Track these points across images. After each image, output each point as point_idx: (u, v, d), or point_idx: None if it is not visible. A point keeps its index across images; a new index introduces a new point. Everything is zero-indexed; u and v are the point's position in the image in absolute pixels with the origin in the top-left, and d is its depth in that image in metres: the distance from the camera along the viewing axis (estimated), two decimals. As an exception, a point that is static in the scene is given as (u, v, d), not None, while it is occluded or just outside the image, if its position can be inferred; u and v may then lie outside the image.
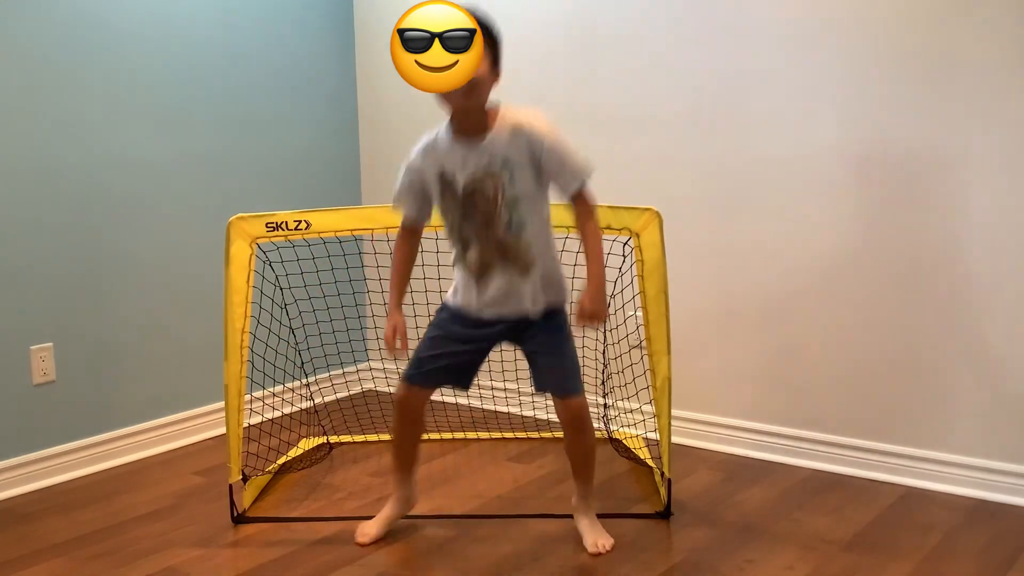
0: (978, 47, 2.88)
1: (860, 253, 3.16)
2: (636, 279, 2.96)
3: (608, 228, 2.93)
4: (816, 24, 3.15)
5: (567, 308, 2.68)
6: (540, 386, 2.67)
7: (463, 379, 2.74)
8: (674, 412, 3.55)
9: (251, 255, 2.94)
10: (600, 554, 2.66)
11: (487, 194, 2.51)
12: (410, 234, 2.71)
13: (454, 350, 2.68)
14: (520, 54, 3.79)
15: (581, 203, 2.55)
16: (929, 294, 3.05)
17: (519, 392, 3.90)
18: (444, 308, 2.72)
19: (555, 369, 2.63)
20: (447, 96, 2.45)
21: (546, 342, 2.63)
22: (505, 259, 2.56)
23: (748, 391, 3.45)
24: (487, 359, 2.74)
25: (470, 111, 2.49)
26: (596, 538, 2.71)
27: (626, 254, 3.15)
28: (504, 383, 3.92)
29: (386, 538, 2.80)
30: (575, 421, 2.66)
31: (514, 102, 3.74)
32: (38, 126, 3.27)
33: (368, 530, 2.79)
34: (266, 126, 3.97)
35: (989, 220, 2.93)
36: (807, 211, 3.25)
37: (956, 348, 3.03)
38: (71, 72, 3.34)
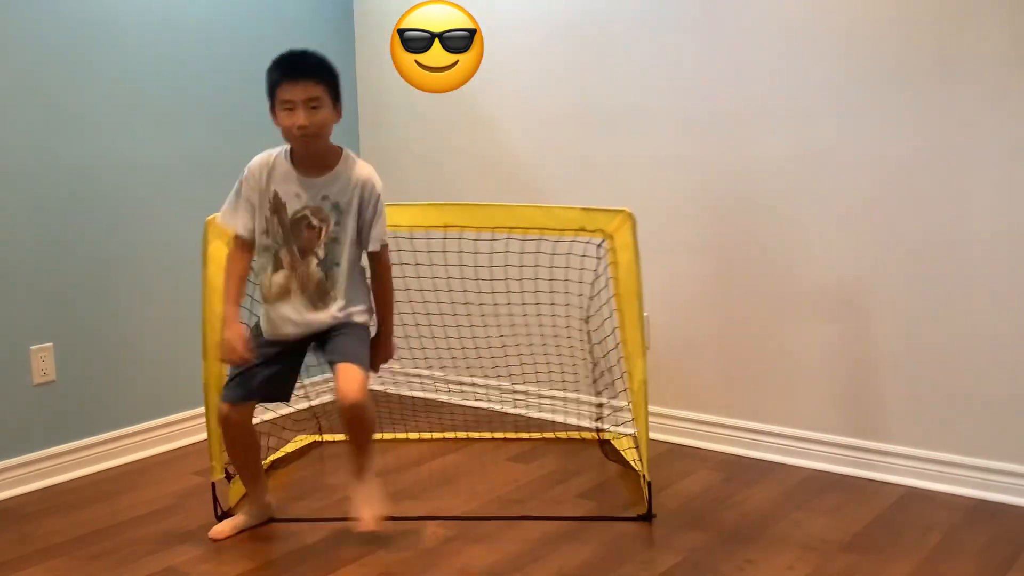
0: (979, 47, 2.88)
1: (859, 253, 3.16)
2: (611, 281, 2.96)
3: (582, 230, 2.94)
4: (816, 24, 3.15)
5: (367, 330, 2.76)
6: (329, 360, 2.68)
7: (281, 392, 2.79)
8: (674, 412, 3.57)
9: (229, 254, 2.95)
10: (368, 529, 2.64)
11: (312, 228, 2.64)
12: (246, 248, 2.72)
13: (266, 366, 2.71)
14: (518, 53, 3.81)
15: (380, 259, 2.72)
16: (929, 294, 3.05)
17: (514, 392, 3.91)
18: (255, 329, 2.77)
19: (345, 349, 2.63)
20: (297, 139, 2.58)
21: (344, 335, 2.67)
22: (305, 290, 2.66)
23: (748, 391, 3.45)
24: (301, 370, 2.80)
25: (314, 151, 2.62)
26: (368, 512, 2.65)
27: (600, 256, 3.15)
28: (503, 383, 3.93)
29: (386, 538, 2.80)
30: (351, 391, 2.55)
31: (508, 101, 3.76)
32: (37, 126, 3.27)
33: (222, 528, 2.84)
34: (267, 126, 3.94)
35: (990, 220, 2.93)
36: (806, 211, 3.24)
37: (956, 348, 3.02)
38: (71, 72, 3.34)
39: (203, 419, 3.43)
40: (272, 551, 2.74)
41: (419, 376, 4.07)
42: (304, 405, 3.86)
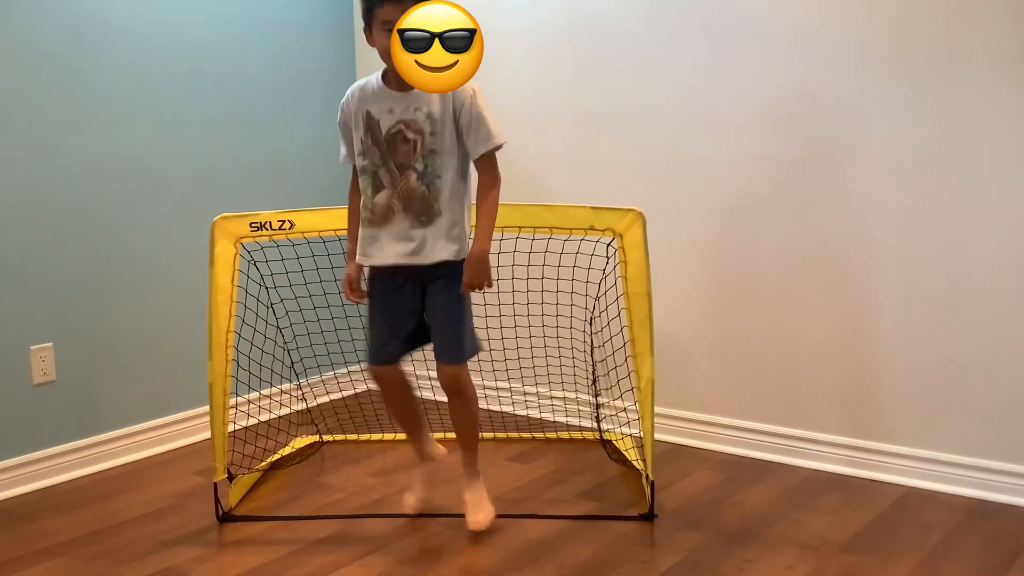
0: (979, 46, 2.88)
1: (859, 253, 3.16)
2: (620, 280, 2.97)
3: (592, 229, 2.95)
4: (820, 26, 3.15)
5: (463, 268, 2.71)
6: (428, 324, 2.74)
7: (417, 341, 2.80)
8: (674, 412, 3.57)
9: (235, 255, 2.97)
10: (479, 530, 2.74)
11: (407, 141, 2.60)
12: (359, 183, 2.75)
13: (392, 321, 2.74)
14: (518, 51, 3.81)
15: (484, 169, 2.63)
16: (928, 294, 3.05)
17: (512, 392, 3.91)
18: (369, 274, 2.79)
19: (440, 334, 2.71)
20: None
21: (441, 304, 2.69)
22: (408, 207, 2.63)
23: (748, 391, 3.45)
24: (423, 309, 2.76)
25: None
26: (475, 516, 2.77)
27: (610, 255, 3.15)
28: (501, 383, 3.93)
29: (387, 538, 2.80)
30: (450, 387, 2.73)
31: (512, 101, 3.75)
32: (37, 127, 3.27)
33: (412, 497, 2.92)
34: (266, 126, 3.97)
35: (992, 220, 2.93)
36: (809, 211, 3.25)
37: (956, 348, 3.03)
38: (69, 73, 3.34)
39: (204, 419, 3.45)
40: (272, 551, 2.74)
41: (419, 376, 4.07)
42: (301, 407, 3.86)
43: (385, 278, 2.73)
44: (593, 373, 3.53)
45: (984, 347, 2.98)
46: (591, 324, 3.49)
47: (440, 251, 2.64)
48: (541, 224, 3.02)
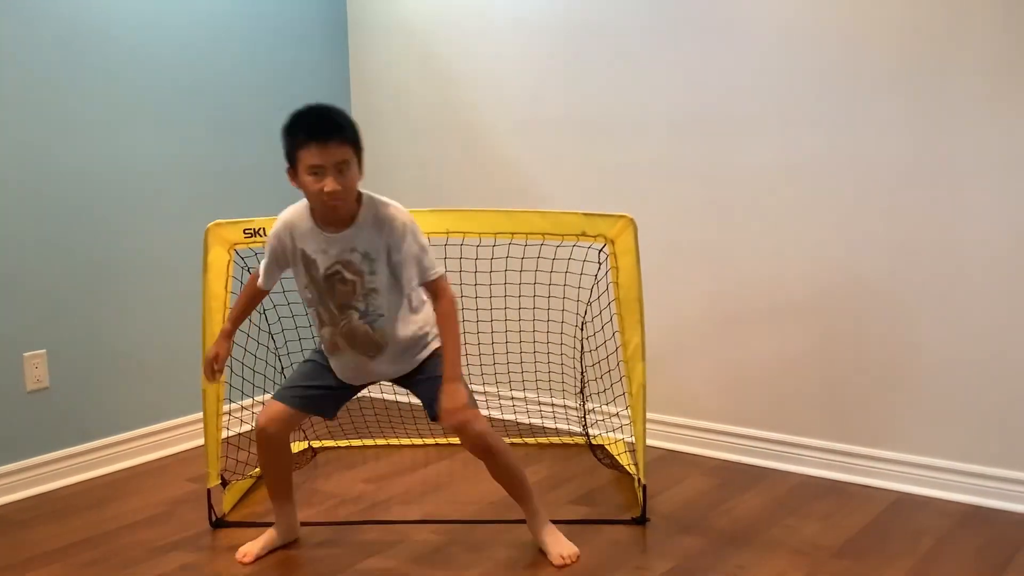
0: (971, 54, 2.90)
1: (852, 260, 3.17)
2: (611, 286, 2.98)
3: (583, 235, 2.96)
4: (810, 32, 3.16)
5: (439, 354, 2.64)
6: (434, 416, 2.60)
7: (329, 411, 2.77)
8: (667, 418, 3.58)
9: (229, 261, 2.97)
10: (567, 565, 2.65)
11: (346, 282, 2.53)
12: (259, 291, 2.72)
13: (327, 384, 2.70)
14: (514, 58, 3.82)
15: (434, 293, 2.57)
16: (921, 300, 3.06)
17: (512, 399, 3.91)
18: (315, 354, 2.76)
19: (434, 396, 2.56)
20: (325, 204, 2.42)
21: (432, 386, 2.58)
22: (354, 344, 2.59)
23: (740, 397, 3.46)
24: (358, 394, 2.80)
25: (342, 211, 2.47)
26: (559, 550, 2.68)
27: (601, 261, 3.16)
28: (492, 389, 3.93)
29: (379, 545, 2.80)
30: (475, 443, 2.61)
31: (505, 106, 3.76)
32: (31, 132, 3.27)
33: (250, 549, 2.74)
34: (260, 132, 3.97)
35: (982, 227, 2.94)
36: (799, 217, 3.26)
37: (948, 354, 3.04)
38: (63, 78, 3.34)
39: (197, 426, 3.44)
40: (265, 558, 2.74)
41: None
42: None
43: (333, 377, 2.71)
44: (582, 379, 3.53)
45: (976, 353, 2.99)
46: (582, 330, 3.50)
47: (399, 369, 2.66)
48: (533, 230, 3.02)
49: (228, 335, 2.71)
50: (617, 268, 2.90)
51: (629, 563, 2.66)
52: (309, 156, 2.37)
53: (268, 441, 2.66)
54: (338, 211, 2.46)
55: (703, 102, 3.39)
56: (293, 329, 3.67)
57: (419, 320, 2.65)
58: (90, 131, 3.43)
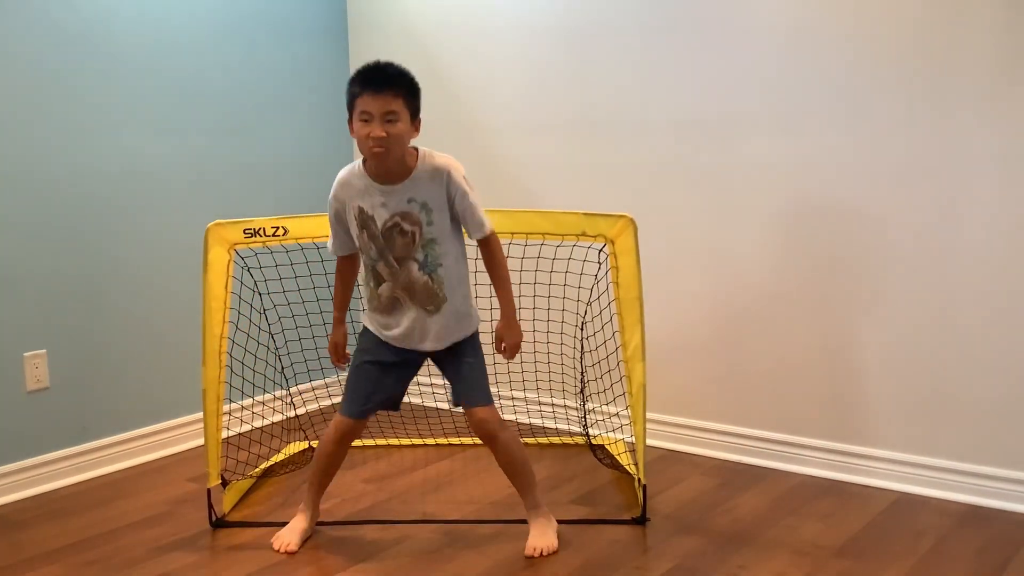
0: (969, 55, 2.90)
1: (850, 260, 3.18)
2: (611, 286, 2.98)
3: (583, 235, 2.96)
4: (809, 32, 3.16)
5: (477, 335, 2.79)
6: (456, 400, 2.78)
7: (395, 404, 2.83)
8: (667, 418, 3.58)
9: (229, 261, 2.98)
10: (534, 556, 2.70)
11: (405, 234, 2.60)
12: (346, 261, 2.79)
13: (384, 380, 2.76)
14: (514, 58, 3.82)
15: (487, 247, 2.69)
16: (920, 300, 3.06)
17: (512, 399, 3.91)
18: (365, 332, 2.79)
19: (463, 384, 2.75)
20: (370, 152, 2.53)
21: (462, 365, 2.75)
22: (413, 297, 2.65)
23: (740, 397, 3.46)
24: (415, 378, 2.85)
25: (390, 163, 2.57)
26: (535, 542, 2.74)
27: (601, 261, 3.16)
28: (496, 389, 3.93)
29: (380, 544, 2.81)
30: (485, 431, 2.74)
31: (504, 106, 3.76)
32: (30, 133, 3.27)
33: (291, 539, 2.79)
34: (260, 132, 3.97)
35: (980, 226, 2.94)
36: (798, 217, 3.26)
37: (948, 353, 3.04)
38: (62, 79, 3.34)
39: (197, 426, 3.45)
40: (265, 558, 2.74)
41: (415, 382, 4.07)
42: (292, 414, 3.86)
43: (388, 351, 2.75)
44: (582, 379, 3.54)
45: (975, 352, 2.99)
46: (582, 329, 3.50)
47: (451, 335, 2.71)
48: (533, 230, 3.03)
49: (339, 322, 2.84)
50: (617, 268, 2.91)
51: (630, 563, 2.66)
52: (361, 103, 2.51)
53: (337, 447, 2.80)
54: (384, 160, 2.54)
55: (704, 102, 3.39)
56: (293, 329, 3.67)
57: (469, 290, 2.75)
58: (90, 131, 3.42)
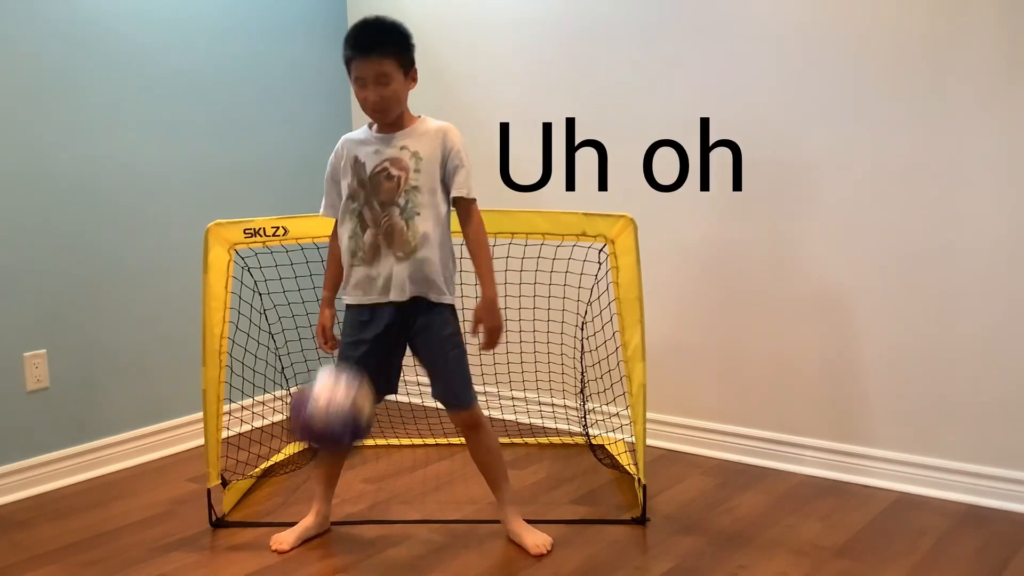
0: (970, 56, 2.90)
1: (852, 260, 3.18)
2: (611, 286, 2.98)
3: (583, 235, 2.96)
4: (810, 33, 3.16)
5: (456, 316, 2.72)
6: (433, 394, 2.75)
7: (387, 387, 2.77)
8: (667, 418, 3.58)
9: (229, 261, 2.98)
10: (544, 554, 2.70)
11: (391, 178, 2.62)
12: (338, 237, 2.76)
13: (368, 362, 2.68)
14: (514, 56, 3.82)
15: (467, 212, 2.65)
16: (920, 301, 3.06)
17: (512, 399, 3.91)
18: (345, 320, 2.77)
19: (442, 381, 2.71)
20: (371, 113, 2.61)
21: (437, 350, 2.69)
22: (391, 243, 2.63)
23: (740, 397, 3.46)
24: (402, 358, 2.77)
25: (390, 120, 2.63)
26: (535, 539, 2.74)
27: (601, 261, 3.16)
28: (492, 389, 3.93)
29: (379, 544, 2.81)
30: (466, 429, 2.76)
31: (506, 104, 3.76)
32: (30, 133, 3.27)
33: (286, 538, 2.80)
34: (261, 132, 3.98)
35: (980, 227, 2.94)
36: (800, 218, 3.26)
37: (948, 353, 3.04)
38: (63, 79, 3.34)
39: (197, 426, 3.45)
40: (264, 558, 2.74)
41: (415, 382, 4.08)
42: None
43: (365, 323, 2.70)
44: (582, 379, 3.54)
45: (975, 352, 2.99)
46: (582, 329, 3.50)
47: (417, 286, 2.63)
48: (533, 230, 3.03)
49: (328, 302, 2.81)
50: (617, 268, 2.91)
51: (630, 563, 2.66)
52: (354, 68, 2.57)
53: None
54: (384, 120, 2.62)
55: (703, 102, 3.39)
56: (293, 329, 3.67)
57: (447, 252, 2.69)
58: (90, 131, 3.43)
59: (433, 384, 2.73)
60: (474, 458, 2.82)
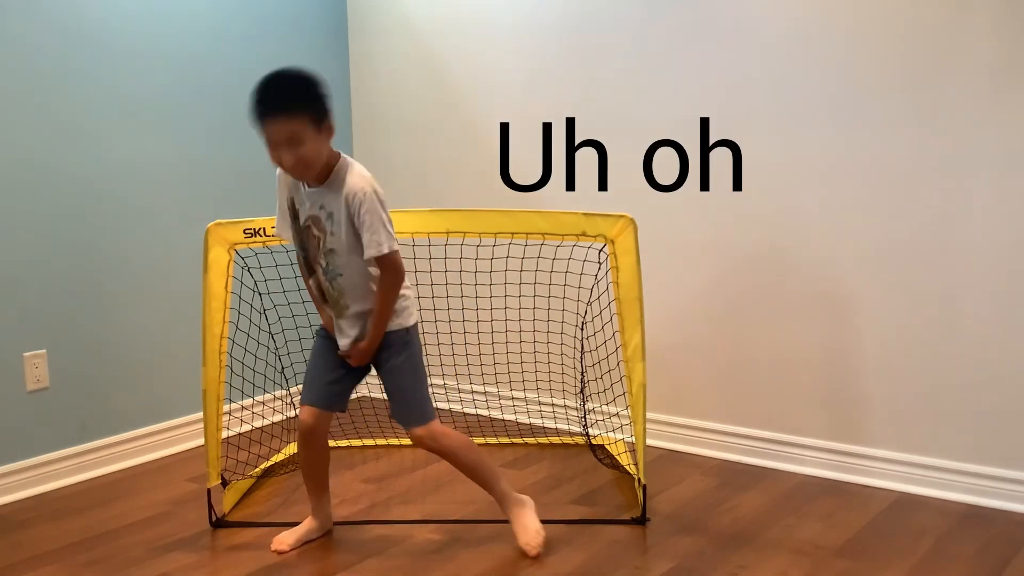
0: (971, 54, 2.90)
1: (852, 260, 3.18)
2: (611, 286, 2.98)
3: (583, 235, 2.96)
4: (810, 31, 3.16)
5: (410, 334, 2.69)
6: (392, 417, 2.75)
7: (336, 403, 2.77)
8: (667, 418, 3.58)
9: (229, 261, 2.98)
10: (539, 554, 2.69)
11: (313, 237, 2.60)
12: None
13: (340, 370, 2.72)
14: (515, 58, 3.82)
15: (381, 267, 2.57)
16: (921, 300, 3.06)
17: (512, 399, 3.91)
18: (322, 328, 2.80)
19: (397, 403, 2.71)
20: (290, 170, 2.51)
21: (392, 377, 2.69)
22: (325, 299, 2.67)
23: (740, 397, 3.46)
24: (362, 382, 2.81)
25: (312, 173, 2.53)
26: (527, 539, 2.72)
27: (601, 261, 3.16)
28: (492, 388, 3.93)
29: (379, 544, 2.81)
30: (429, 447, 2.71)
31: (502, 102, 3.75)
32: (30, 132, 3.27)
33: (286, 539, 2.79)
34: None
35: (981, 226, 2.94)
36: (799, 217, 3.26)
37: (949, 353, 3.04)
38: (63, 78, 3.34)
39: (197, 426, 3.45)
40: (264, 558, 2.74)
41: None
42: (292, 414, 3.86)
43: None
44: (582, 379, 3.54)
45: (975, 352, 2.99)
46: (582, 329, 3.50)
47: (362, 332, 2.64)
48: (533, 230, 3.03)
49: (322, 309, 2.77)
50: (617, 268, 2.91)
51: (629, 563, 2.66)
52: (264, 130, 2.46)
53: (307, 440, 2.75)
54: (307, 177, 2.54)
55: (703, 102, 3.39)
56: (293, 329, 3.67)
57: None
58: (90, 131, 3.42)
59: (392, 407, 2.74)
60: (457, 468, 2.80)
